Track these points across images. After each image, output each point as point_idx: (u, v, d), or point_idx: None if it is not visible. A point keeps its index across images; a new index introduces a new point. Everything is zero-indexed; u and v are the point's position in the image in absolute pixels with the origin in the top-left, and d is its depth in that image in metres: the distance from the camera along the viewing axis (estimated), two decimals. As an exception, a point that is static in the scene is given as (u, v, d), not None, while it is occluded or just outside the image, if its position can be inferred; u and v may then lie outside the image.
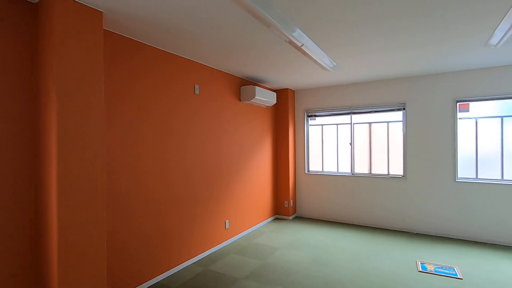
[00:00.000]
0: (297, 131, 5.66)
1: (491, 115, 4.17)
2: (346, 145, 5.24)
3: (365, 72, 4.31)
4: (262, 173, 5.09)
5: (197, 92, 3.58)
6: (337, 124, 5.37)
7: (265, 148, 5.19)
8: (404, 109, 4.68)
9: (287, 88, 5.43)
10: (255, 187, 4.86)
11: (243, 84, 4.54)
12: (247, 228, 4.62)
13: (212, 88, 3.86)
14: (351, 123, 5.18)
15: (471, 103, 4.30)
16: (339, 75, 4.44)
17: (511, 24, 2.55)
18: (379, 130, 4.97)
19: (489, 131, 4.18)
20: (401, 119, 4.74)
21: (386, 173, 4.89)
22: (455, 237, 4.28)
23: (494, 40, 2.99)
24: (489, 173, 4.17)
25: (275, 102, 4.93)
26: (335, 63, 3.91)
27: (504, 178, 4.07)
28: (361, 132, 5.13)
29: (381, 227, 4.84)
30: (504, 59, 3.68)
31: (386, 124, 4.92)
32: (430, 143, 4.46)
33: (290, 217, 5.45)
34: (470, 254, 3.65)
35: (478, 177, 4.24)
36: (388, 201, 4.78)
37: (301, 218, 5.49)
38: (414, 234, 4.51)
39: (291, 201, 5.47)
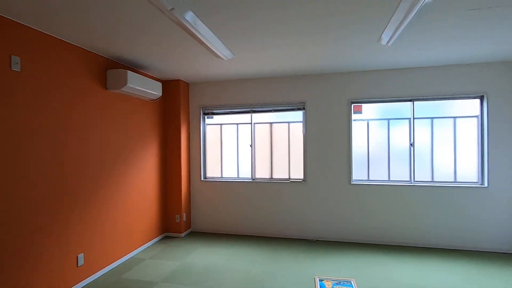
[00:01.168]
0: (191, 131, 4.81)
1: (380, 117, 4.25)
2: (247, 147, 4.68)
3: (266, 66, 3.80)
4: (145, 183, 4.04)
5: (15, 68, 2.33)
6: (237, 124, 4.77)
7: (150, 151, 4.16)
8: (304, 108, 4.41)
9: (178, 79, 4.53)
10: (135, 202, 3.78)
11: (110, 67, 3.42)
12: (117, 258, 3.50)
13: (52, 65, 2.64)
14: (251, 123, 4.65)
15: (363, 105, 4.31)
16: (238, 67, 3.81)
17: (397, 25, 2.52)
18: (280, 131, 4.59)
19: (378, 133, 4.25)
20: (302, 120, 4.46)
21: (287, 177, 4.54)
22: (353, 241, 4.19)
23: (385, 39, 2.86)
24: (379, 174, 4.23)
25: (160, 94, 3.97)
26: (233, 54, 3.25)
27: (391, 179, 4.18)
28: (262, 133, 4.66)
29: (282, 237, 4.45)
30: (393, 62, 3.71)
31: (287, 124, 4.57)
32: (328, 145, 4.28)
33: (183, 234, 4.55)
34: (365, 261, 3.51)
35: (370, 178, 4.26)
36: (289, 208, 4.42)
37: (196, 234, 4.66)
38: (314, 241, 4.25)
39: (184, 214, 4.58)
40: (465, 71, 3.83)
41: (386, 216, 4.09)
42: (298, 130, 4.49)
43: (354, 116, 4.28)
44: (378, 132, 4.25)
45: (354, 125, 4.28)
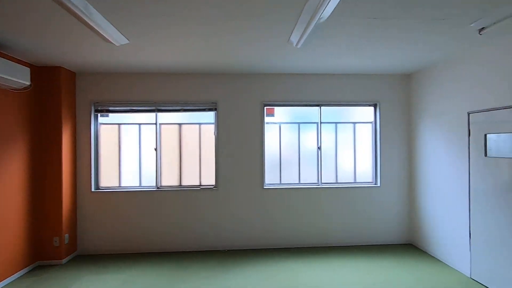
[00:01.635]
0: (79, 131, 3.93)
1: (291, 121, 4.28)
2: (151, 151, 4.09)
3: (170, 59, 3.33)
4: (4, 199, 3.03)
5: None
6: (139, 124, 4.12)
7: (14, 158, 3.16)
8: (216, 109, 4.10)
9: (59, 66, 3.62)
10: (-20, 226, 2.76)
11: None
12: None
13: None
14: (156, 123, 4.08)
15: (276, 108, 4.28)
16: (136, 57, 3.23)
17: (304, 28, 2.49)
18: (190, 133, 4.16)
19: (290, 136, 4.28)
20: (213, 121, 4.14)
21: (198, 184, 4.14)
22: (266, 247, 4.08)
23: (294, 41, 2.80)
24: (290, 177, 4.26)
25: (28, 83, 3.05)
26: (127, 39, 2.68)
27: (301, 182, 4.25)
28: (169, 135, 4.14)
29: (193, 250, 4.02)
30: (303, 67, 3.75)
31: (197, 125, 4.18)
32: (241, 148, 4.08)
33: (64, 260, 3.64)
34: (276, 268, 3.40)
35: (282, 182, 4.24)
36: (200, 218, 4.03)
37: (83, 258, 3.79)
38: (226, 251, 3.97)
39: (66, 235, 3.67)
40: (363, 80, 4.19)
41: (296, 220, 4.12)
42: (209, 132, 4.15)
43: (266, 119, 4.20)
44: (289, 135, 4.27)
45: (267, 128, 4.20)
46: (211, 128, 4.15)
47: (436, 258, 3.65)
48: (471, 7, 2.09)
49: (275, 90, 4.13)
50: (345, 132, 4.31)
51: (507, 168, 2.67)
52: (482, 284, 2.94)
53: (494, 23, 2.35)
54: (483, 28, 2.48)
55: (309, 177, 4.26)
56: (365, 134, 4.32)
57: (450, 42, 2.84)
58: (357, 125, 4.32)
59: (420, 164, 3.96)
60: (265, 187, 4.10)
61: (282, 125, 4.26)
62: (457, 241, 3.31)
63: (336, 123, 4.29)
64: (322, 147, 4.25)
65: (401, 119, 4.21)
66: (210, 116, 4.15)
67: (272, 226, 4.10)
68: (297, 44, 2.91)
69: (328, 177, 4.28)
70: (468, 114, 3.13)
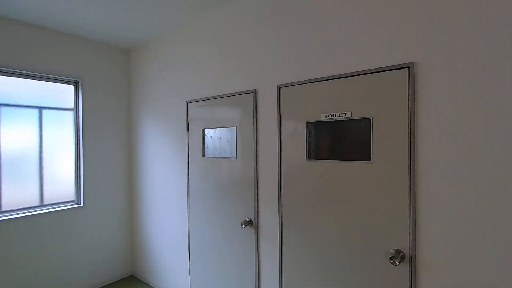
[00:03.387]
0: None
1: None
2: None
3: None
4: None
5: None
6: None
7: None
8: None
9: None
10: None
11: None
12: None
13: None
14: None
15: None
16: None
17: None
18: None
19: None
20: None
21: None
22: None
23: None
24: None
25: None
26: None
27: None
28: None
29: None
30: None
31: None
32: None
33: None
34: None
35: None
36: None
37: None
38: None
39: None
40: (60, 43, 2.61)
41: None
42: None
43: None
44: None
45: None
46: None
47: (157, 290, 2.83)
48: None
49: None
50: (22, 122, 2.52)
51: (225, 171, 2.20)
52: (201, 316, 2.37)
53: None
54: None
55: None
56: (62, 126, 2.77)
57: (173, 7, 2.01)
58: (45, 111, 2.68)
59: (141, 169, 3.01)
60: None
61: None
62: (178, 266, 2.62)
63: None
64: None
65: (118, 107, 3.08)
66: None
67: None
68: None
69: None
70: (187, 103, 2.50)
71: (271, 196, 1.93)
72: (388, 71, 1.44)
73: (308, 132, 1.74)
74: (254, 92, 1.99)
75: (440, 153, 1.30)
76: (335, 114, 1.61)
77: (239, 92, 2.09)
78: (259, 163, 1.99)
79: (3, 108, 2.42)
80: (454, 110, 1.27)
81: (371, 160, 1.49)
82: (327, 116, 1.65)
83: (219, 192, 2.23)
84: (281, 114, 1.86)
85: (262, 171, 1.97)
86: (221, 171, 2.22)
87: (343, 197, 1.60)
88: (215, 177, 2.26)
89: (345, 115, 1.58)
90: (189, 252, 2.48)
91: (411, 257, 1.37)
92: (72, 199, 2.82)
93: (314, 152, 1.72)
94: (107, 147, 2.97)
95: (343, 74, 1.58)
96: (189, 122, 2.48)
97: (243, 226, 1.99)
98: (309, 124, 1.74)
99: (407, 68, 1.38)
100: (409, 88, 1.37)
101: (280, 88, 1.86)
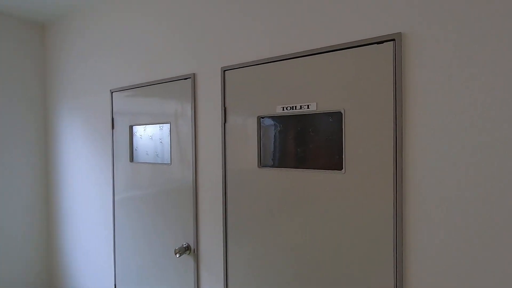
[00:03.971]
0: None
1: None
2: None
3: None
4: None
5: None
6: None
7: None
8: None
9: None
10: None
11: None
12: None
13: None
14: None
15: None
16: None
17: None
18: None
19: None
20: None
21: None
22: None
23: None
24: None
25: None
26: None
27: None
28: None
29: None
30: None
31: None
32: None
33: None
34: None
35: None
36: None
37: None
38: None
39: None
40: None
41: None
42: None
43: None
44: None
45: None
46: None
47: (78, 332, 2.22)
48: None
49: None
50: None
51: (158, 182, 1.69)
52: None
53: None
54: None
55: None
56: None
57: None
58: None
59: (61, 181, 2.37)
60: None
61: None
62: (102, 300, 2.04)
63: None
64: None
65: (32, 97, 2.39)
66: None
67: None
68: None
69: None
70: (111, 93, 1.93)
71: (214, 214, 1.46)
72: (366, 46, 1.04)
73: (261, 131, 1.30)
74: (193, 77, 1.51)
75: (439, 157, 0.93)
76: (296, 106, 1.19)
77: (173, 78, 1.58)
78: (199, 172, 1.51)
79: None
80: (456, 95, 0.90)
81: (343, 170, 1.09)
82: (284, 108, 1.22)
83: (150, 210, 1.71)
84: (226, 106, 1.39)
85: (202, 182, 1.50)
86: (153, 182, 1.70)
87: (305, 217, 1.18)
88: (146, 190, 1.73)
89: (308, 108, 1.16)
90: (115, 285, 1.93)
91: (397, 304, 0.98)
92: (-44, 219, 2.10)
93: (268, 157, 1.28)
94: (18, 146, 2.27)
95: (306, 51, 1.16)
96: (114, 117, 1.91)
97: (178, 255, 1.49)
98: (262, 119, 1.30)
99: (392, 42, 0.99)
100: (395, 68, 0.98)
101: (225, 71, 1.40)
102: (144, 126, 1.76)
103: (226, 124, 1.39)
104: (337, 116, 1.10)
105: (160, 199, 1.66)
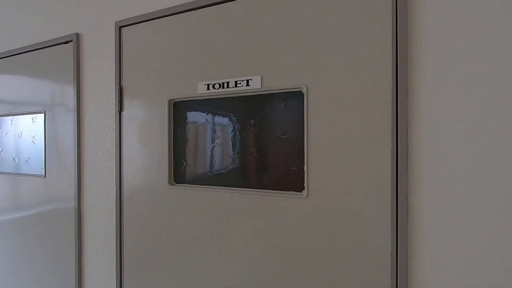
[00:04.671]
0: None
1: None
2: None
3: None
4: None
5: None
6: None
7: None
8: None
9: None
10: None
11: None
12: None
13: None
14: None
15: None
16: None
17: None
18: None
19: None
20: None
21: None
22: None
23: None
24: None
25: None
26: None
27: None
28: None
29: None
30: None
31: None
32: None
33: None
34: None
35: None
36: None
37: None
38: None
39: None
40: None
41: None
42: None
43: None
44: None
45: None
46: None
47: None
48: None
49: None
50: None
51: (29, 202, 1.09)
52: None
53: None
54: None
55: None
56: None
57: None
58: None
59: None
60: None
61: None
62: None
63: None
64: None
65: None
66: None
67: None
68: None
69: None
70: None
71: (107, 252, 0.92)
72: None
73: (175, 124, 0.80)
74: (75, 40, 0.95)
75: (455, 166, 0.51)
76: (228, 83, 0.71)
77: (47, 42, 1.01)
78: (85, 188, 0.95)
79: None
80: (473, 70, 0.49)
81: (304, 191, 0.63)
82: (210, 87, 0.73)
83: (15, 247, 1.11)
84: (123, 85, 0.87)
85: (90, 203, 0.95)
86: (17, 204, 1.10)
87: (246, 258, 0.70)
88: (11, 216, 1.12)
89: (247, 84, 0.69)
90: None
91: None
92: None
93: (186, 167, 0.78)
94: None
95: (244, -11, 0.68)
96: (-31, 103, 1.26)
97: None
98: (176, 105, 0.79)
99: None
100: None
101: (121, 28, 0.87)
102: (11, 117, 1.15)
103: (122, 114, 0.86)
104: (296, 98, 0.64)
105: (25, 231, 1.07)
